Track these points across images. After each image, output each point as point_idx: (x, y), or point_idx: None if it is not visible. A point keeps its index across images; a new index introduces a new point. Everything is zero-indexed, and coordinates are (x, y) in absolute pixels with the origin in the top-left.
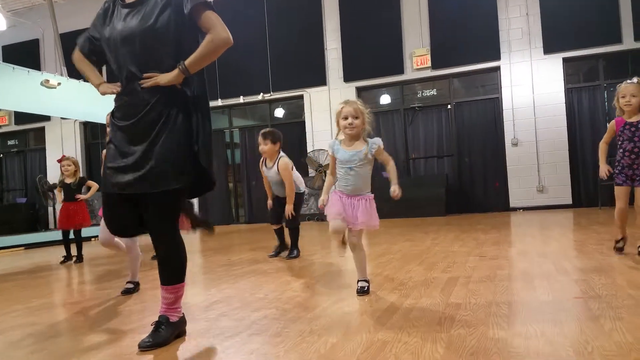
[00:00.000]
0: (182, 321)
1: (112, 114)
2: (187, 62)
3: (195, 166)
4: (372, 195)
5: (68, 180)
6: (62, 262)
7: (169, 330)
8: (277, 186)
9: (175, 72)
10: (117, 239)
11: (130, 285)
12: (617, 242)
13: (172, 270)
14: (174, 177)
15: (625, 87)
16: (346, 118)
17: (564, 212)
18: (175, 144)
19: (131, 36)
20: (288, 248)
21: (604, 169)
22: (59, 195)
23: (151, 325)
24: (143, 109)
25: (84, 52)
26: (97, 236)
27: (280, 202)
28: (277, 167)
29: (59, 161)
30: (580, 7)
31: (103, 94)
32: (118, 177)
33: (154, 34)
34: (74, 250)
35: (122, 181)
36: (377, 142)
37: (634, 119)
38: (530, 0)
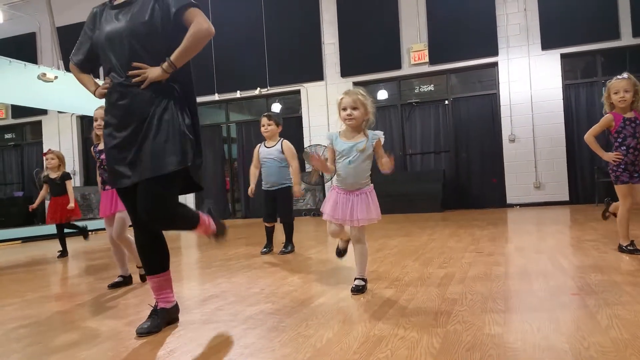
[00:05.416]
0: (175, 309)
1: (105, 111)
2: (172, 56)
3: (183, 159)
4: (372, 186)
5: (52, 175)
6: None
7: (159, 318)
8: (273, 169)
9: (162, 67)
10: (126, 235)
11: (120, 279)
12: (627, 246)
13: (160, 259)
14: (163, 163)
15: (617, 82)
16: (345, 109)
17: (561, 208)
18: (164, 136)
19: (122, 34)
20: (272, 249)
21: (611, 155)
22: (45, 191)
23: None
24: (134, 103)
25: (77, 64)
26: (98, 230)
27: (271, 196)
28: (281, 146)
29: (44, 155)
30: (579, 2)
31: (100, 97)
32: (118, 173)
33: (145, 30)
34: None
35: (120, 176)
36: (378, 134)
37: (629, 115)
38: None
